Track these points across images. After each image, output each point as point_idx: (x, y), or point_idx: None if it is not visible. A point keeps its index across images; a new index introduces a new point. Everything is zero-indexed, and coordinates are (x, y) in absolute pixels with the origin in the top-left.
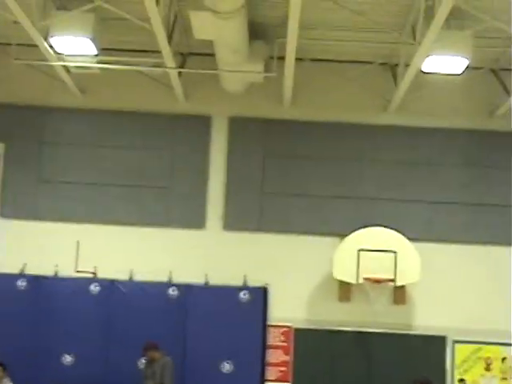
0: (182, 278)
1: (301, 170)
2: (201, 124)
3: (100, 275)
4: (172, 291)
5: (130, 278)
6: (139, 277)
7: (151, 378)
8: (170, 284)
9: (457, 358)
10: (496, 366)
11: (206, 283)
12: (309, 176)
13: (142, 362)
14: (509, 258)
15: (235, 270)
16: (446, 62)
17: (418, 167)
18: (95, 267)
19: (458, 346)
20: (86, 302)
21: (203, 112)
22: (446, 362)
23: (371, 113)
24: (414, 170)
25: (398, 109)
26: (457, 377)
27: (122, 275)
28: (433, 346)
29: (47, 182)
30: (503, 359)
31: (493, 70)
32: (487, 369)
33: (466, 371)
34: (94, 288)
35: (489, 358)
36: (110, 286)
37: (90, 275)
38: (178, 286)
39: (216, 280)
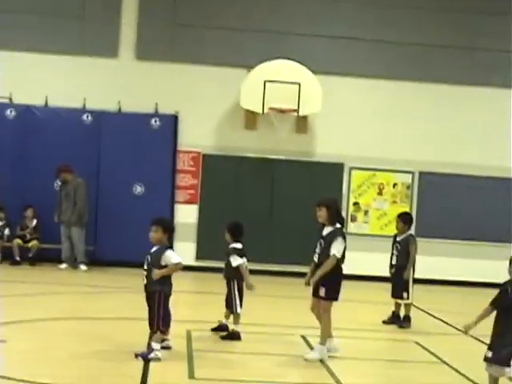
0: (95, 104)
1: (214, 1)
2: None
3: (15, 101)
4: (86, 117)
5: (46, 104)
6: (54, 102)
7: (65, 198)
8: (84, 110)
9: (353, 184)
10: (388, 190)
11: (119, 110)
12: (222, 8)
13: (57, 184)
14: (403, 92)
15: (147, 98)
16: None
17: (325, 3)
18: (11, 93)
19: (354, 172)
20: (2, 127)
21: None
22: (342, 187)
23: None
24: (322, 5)
25: None
26: (352, 200)
27: (37, 101)
28: (331, 172)
29: None
30: (394, 185)
31: None
32: (380, 193)
33: (360, 195)
34: (10, 113)
35: (381, 183)
36: (25, 111)
37: (6, 100)
38: (92, 112)
39: (129, 107)
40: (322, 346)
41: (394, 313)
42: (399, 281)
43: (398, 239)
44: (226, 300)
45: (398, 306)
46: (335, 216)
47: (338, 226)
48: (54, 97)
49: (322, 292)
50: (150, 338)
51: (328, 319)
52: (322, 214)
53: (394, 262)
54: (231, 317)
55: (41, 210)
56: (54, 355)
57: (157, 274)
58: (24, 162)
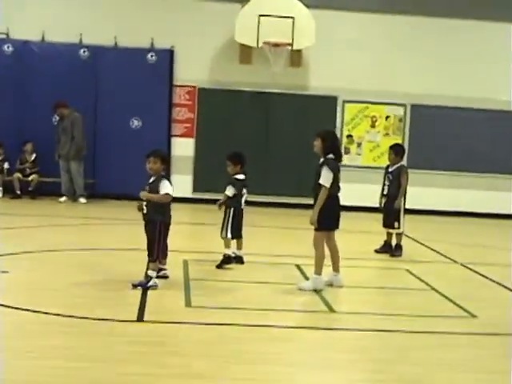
0: (92, 39)
1: None
2: None
3: (12, 36)
4: (83, 52)
5: (42, 39)
6: (51, 38)
7: (63, 133)
8: (80, 45)
9: (346, 116)
10: (380, 123)
11: (116, 45)
12: None
13: (56, 119)
14: (396, 25)
15: (143, 33)
16: None
17: None
18: (8, 28)
19: (347, 105)
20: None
21: None
22: (336, 120)
23: None
24: None
25: None
26: (345, 133)
27: (34, 36)
28: (325, 105)
29: None
30: (387, 117)
31: None
32: (372, 126)
33: (353, 128)
34: (7, 48)
35: (374, 116)
36: (22, 46)
37: (3, 35)
38: (89, 47)
39: (125, 42)
40: (317, 276)
41: (385, 242)
42: (391, 210)
43: (389, 170)
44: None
45: (389, 235)
46: (329, 148)
47: (330, 156)
48: (51, 32)
49: (311, 221)
50: (148, 267)
51: (320, 249)
52: (317, 143)
53: (385, 192)
54: (236, 245)
55: (40, 144)
56: (55, 286)
57: (144, 194)
58: (22, 97)
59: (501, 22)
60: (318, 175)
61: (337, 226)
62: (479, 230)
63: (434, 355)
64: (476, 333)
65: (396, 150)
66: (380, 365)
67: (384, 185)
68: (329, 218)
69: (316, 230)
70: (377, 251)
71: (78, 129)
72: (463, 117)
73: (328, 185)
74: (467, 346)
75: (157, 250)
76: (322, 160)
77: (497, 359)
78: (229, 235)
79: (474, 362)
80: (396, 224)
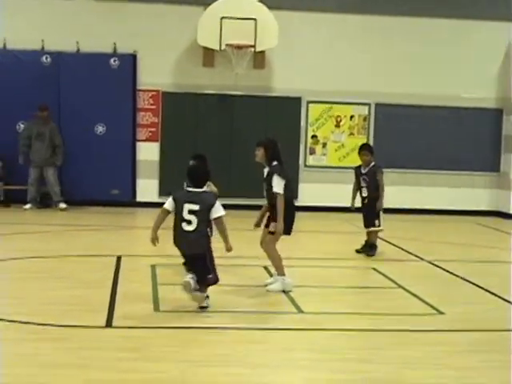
0: (54, 46)
1: None
2: None
3: None
4: (45, 59)
5: (4, 47)
6: (13, 45)
7: (38, 139)
8: (43, 52)
9: (310, 117)
10: (345, 123)
11: (78, 50)
12: None
13: (20, 126)
14: (359, 25)
15: (105, 38)
16: None
17: None
18: None
19: (311, 105)
20: None
21: None
22: (301, 121)
23: None
24: None
25: None
26: (310, 133)
27: None
28: (289, 107)
29: None
30: (351, 117)
31: None
32: (337, 126)
33: (318, 128)
34: None
35: (339, 116)
36: None
37: None
38: (51, 54)
39: (87, 48)
40: (282, 277)
41: (366, 242)
42: (370, 212)
43: (363, 171)
44: None
45: (369, 234)
46: (272, 156)
47: (275, 163)
48: (13, 39)
49: (273, 227)
50: None
51: (276, 252)
52: (259, 153)
53: (364, 195)
54: None
55: (4, 152)
56: (25, 294)
57: None
58: None
59: (462, 20)
60: (268, 185)
61: (290, 232)
62: (444, 227)
63: (401, 353)
64: (444, 329)
65: (369, 150)
66: (348, 364)
67: (361, 187)
68: (287, 223)
69: (272, 233)
70: (358, 251)
71: (58, 138)
72: (426, 114)
73: (282, 191)
74: (435, 343)
75: None
76: (267, 170)
77: (465, 355)
78: None
79: (442, 360)
80: (376, 222)
